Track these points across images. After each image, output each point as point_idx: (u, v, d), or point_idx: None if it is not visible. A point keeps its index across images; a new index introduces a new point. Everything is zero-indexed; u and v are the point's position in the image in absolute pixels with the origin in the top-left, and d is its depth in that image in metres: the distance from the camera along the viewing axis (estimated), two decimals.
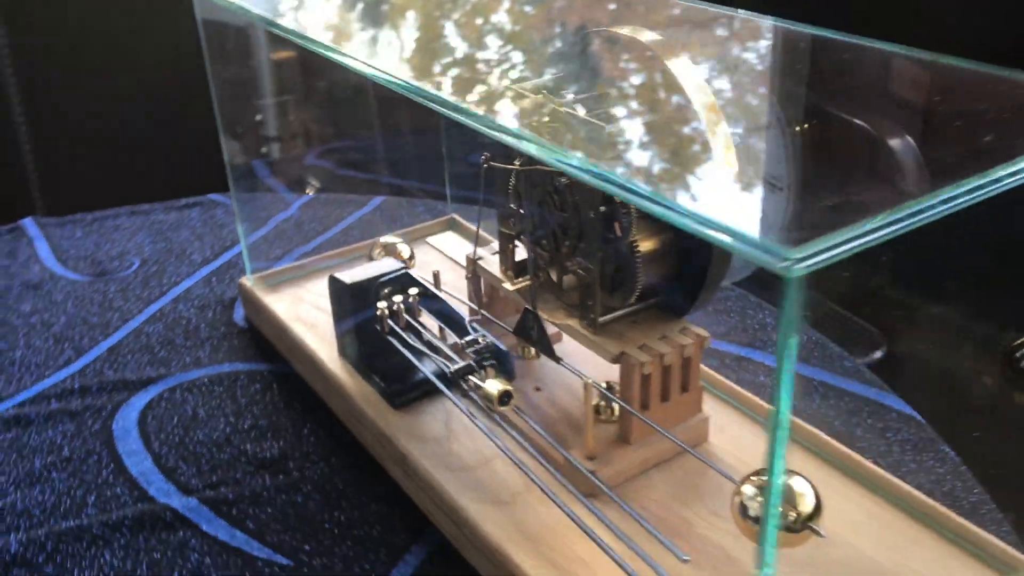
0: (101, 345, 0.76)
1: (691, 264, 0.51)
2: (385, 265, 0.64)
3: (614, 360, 0.51)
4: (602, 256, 0.51)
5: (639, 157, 0.41)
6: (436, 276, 0.64)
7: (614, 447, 0.53)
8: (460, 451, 0.56)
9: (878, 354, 0.75)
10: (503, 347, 0.54)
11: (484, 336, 0.55)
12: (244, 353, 0.74)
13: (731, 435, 0.57)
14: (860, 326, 0.78)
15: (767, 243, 0.29)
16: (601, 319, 0.53)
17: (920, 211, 0.31)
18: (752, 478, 0.42)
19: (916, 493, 0.50)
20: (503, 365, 0.54)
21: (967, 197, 0.32)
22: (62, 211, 1.01)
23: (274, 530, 0.56)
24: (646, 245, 0.50)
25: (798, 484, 0.41)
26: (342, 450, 0.63)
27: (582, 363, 0.56)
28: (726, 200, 0.38)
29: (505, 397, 0.50)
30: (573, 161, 0.37)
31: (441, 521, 0.53)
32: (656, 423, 0.52)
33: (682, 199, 0.34)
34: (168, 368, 0.73)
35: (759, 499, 0.41)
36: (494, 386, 0.51)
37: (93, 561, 0.54)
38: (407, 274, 0.63)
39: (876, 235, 0.30)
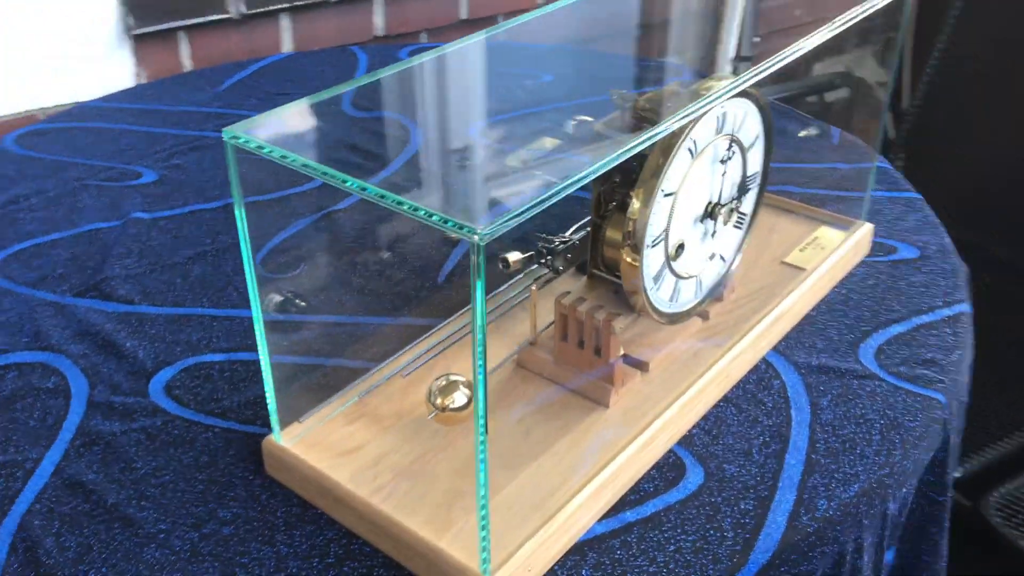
0: None
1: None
2: None
3: (560, 297, 0.70)
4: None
5: None
6: None
7: (546, 352, 0.73)
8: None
9: None
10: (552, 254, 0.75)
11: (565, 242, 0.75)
12: None
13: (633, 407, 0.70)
14: None
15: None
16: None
17: None
18: (448, 380, 0.61)
19: None
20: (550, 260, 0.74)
21: None
22: None
23: None
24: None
25: (459, 392, 0.60)
26: None
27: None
28: None
29: (504, 263, 0.70)
30: None
31: None
32: (567, 358, 0.70)
33: None
34: None
35: (433, 390, 0.61)
36: (514, 255, 0.71)
37: None
38: None
39: None
